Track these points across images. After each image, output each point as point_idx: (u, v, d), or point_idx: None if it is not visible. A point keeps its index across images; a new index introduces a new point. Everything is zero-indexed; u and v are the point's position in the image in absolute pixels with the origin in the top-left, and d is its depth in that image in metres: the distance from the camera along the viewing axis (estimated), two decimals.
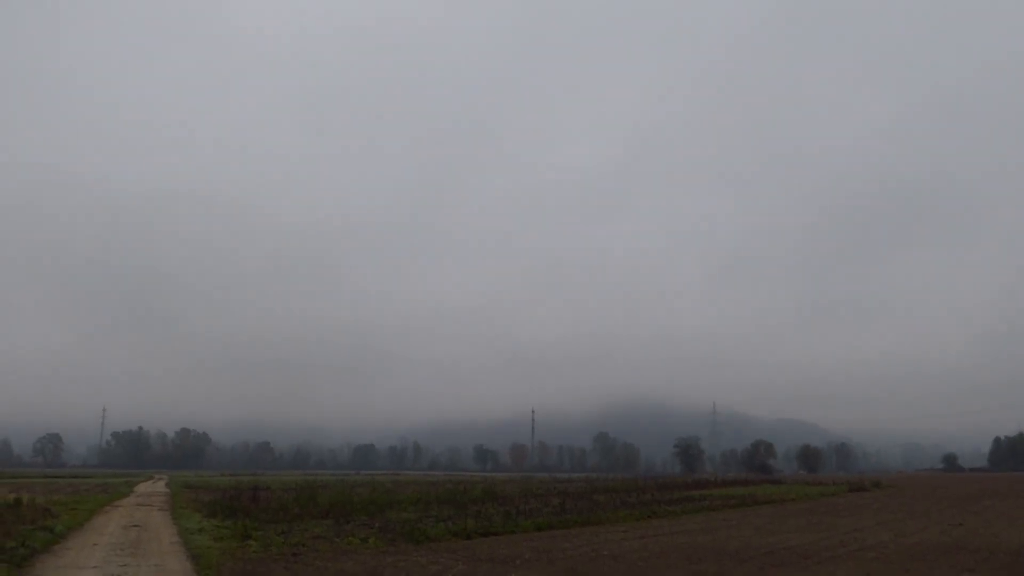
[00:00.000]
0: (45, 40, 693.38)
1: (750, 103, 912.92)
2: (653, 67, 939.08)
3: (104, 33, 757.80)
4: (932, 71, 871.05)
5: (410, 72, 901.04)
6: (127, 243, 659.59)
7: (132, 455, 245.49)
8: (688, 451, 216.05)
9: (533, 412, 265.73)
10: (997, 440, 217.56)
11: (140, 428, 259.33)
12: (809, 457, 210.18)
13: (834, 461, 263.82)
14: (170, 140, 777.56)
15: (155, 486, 68.27)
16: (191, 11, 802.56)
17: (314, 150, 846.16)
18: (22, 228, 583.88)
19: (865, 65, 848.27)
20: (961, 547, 21.08)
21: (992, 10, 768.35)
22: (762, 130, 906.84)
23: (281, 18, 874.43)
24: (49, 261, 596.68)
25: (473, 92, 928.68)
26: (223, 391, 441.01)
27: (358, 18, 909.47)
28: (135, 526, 26.64)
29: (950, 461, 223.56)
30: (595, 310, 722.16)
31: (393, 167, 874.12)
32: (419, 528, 24.79)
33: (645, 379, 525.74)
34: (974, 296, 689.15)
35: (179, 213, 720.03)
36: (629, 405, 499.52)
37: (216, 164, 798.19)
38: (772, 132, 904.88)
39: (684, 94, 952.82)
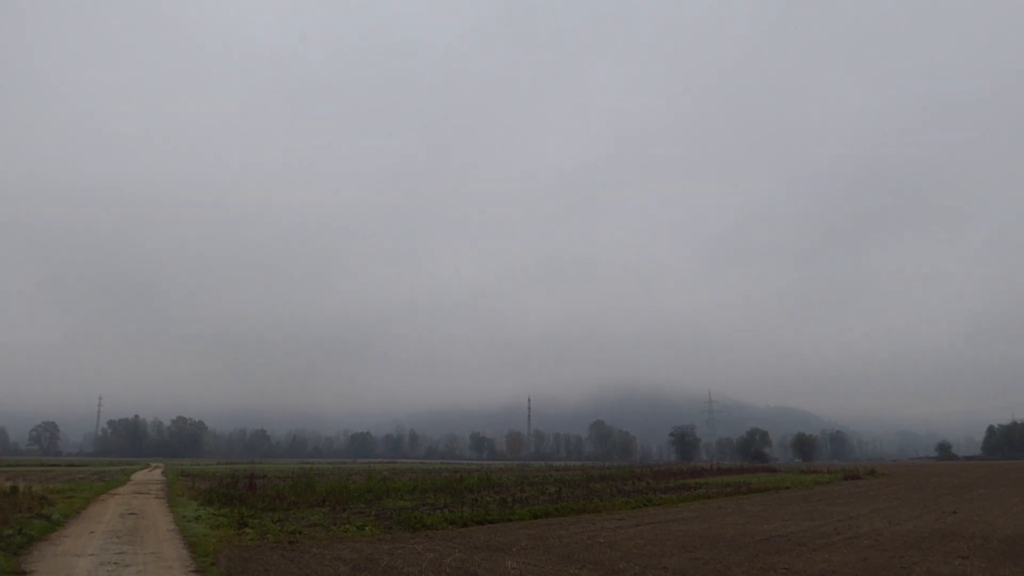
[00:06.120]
0: (36, 43, 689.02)
1: (737, 93, 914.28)
2: (639, 60, 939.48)
3: (96, 32, 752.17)
4: (922, 61, 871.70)
5: (399, 69, 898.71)
6: (123, 235, 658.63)
7: (128, 443, 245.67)
8: (684, 439, 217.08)
9: (529, 400, 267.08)
10: (991, 428, 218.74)
11: (136, 416, 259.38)
12: (804, 445, 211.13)
13: (829, 449, 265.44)
14: (163, 133, 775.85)
15: (151, 474, 68.32)
16: (180, 9, 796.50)
17: (304, 144, 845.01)
18: (19, 221, 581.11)
19: (855, 54, 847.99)
20: (955, 534, 21.21)
21: (984, 3, 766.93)
22: (750, 119, 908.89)
23: (268, 13, 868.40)
24: (45, 253, 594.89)
25: (463, 88, 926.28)
26: (219, 380, 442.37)
27: (344, 12, 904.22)
28: (132, 514, 26.62)
29: (944, 449, 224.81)
30: (590, 300, 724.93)
31: (388, 161, 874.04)
32: (415, 516, 24.82)
33: (641, 368, 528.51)
34: (967, 284, 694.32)
35: (174, 205, 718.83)
36: (625, 393, 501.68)
37: (210, 157, 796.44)
38: (760, 121, 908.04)
39: (671, 86, 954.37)
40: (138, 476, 63.36)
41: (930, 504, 33.34)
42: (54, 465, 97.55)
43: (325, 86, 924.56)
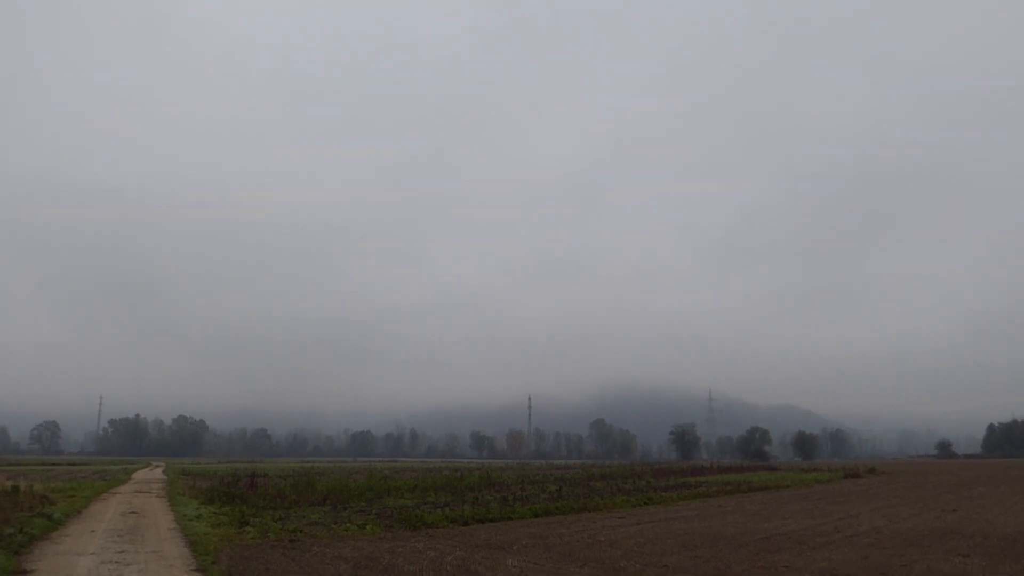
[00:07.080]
0: (36, 44, 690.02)
1: (737, 93, 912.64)
2: (639, 60, 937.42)
3: (96, 32, 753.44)
4: (924, 62, 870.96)
5: (399, 69, 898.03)
6: (123, 235, 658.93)
7: (129, 443, 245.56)
8: (684, 438, 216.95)
9: (530, 399, 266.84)
10: (991, 427, 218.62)
11: (137, 416, 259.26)
12: (804, 443, 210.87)
13: (829, 447, 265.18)
14: (163, 134, 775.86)
15: (152, 473, 68.38)
16: (180, 10, 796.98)
17: (304, 144, 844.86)
18: (19, 221, 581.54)
19: (855, 54, 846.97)
20: (955, 532, 21.22)
21: (986, 3, 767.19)
22: (749, 119, 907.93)
23: (268, 14, 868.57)
24: (45, 253, 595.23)
25: (464, 88, 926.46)
26: (220, 378, 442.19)
27: (344, 12, 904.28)
28: (133, 513, 26.66)
29: (944, 447, 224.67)
30: (590, 300, 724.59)
31: (388, 161, 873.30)
32: (416, 514, 24.85)
33: (642, 366, 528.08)
34: (967, 284, 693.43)
35: (174, 205, 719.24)
36: (626, 392, 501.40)
37: (210, 157, 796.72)
38: (760, 121, 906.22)
39: (671, 87, 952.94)
40: (139, 475, 63.41)
41: (930, 502, 33.35)
42: (55, 464, 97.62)
43: (325, 86, 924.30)
